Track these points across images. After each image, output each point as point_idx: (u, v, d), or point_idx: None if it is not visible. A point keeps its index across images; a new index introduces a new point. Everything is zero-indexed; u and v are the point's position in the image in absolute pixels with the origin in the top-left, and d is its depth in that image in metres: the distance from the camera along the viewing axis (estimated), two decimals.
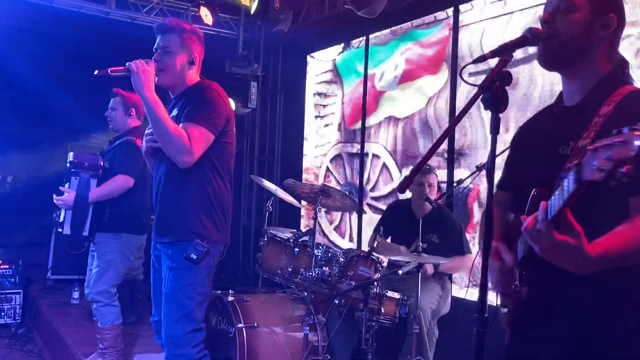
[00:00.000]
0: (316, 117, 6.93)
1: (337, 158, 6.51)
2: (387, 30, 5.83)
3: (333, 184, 6.39)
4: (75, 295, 5.77)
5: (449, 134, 1.54)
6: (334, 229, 6.48)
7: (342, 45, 6.53)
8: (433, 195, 3.97)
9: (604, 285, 1.47)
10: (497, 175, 1.95)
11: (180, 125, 2.61)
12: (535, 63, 1.73)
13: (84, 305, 5.63)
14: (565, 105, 1.68)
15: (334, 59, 6.64)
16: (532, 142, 1.74)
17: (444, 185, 4.74)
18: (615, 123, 1.44)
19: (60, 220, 3.98)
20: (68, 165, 4.00)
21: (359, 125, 6.15)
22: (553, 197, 1.33)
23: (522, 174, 1.73)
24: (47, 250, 6.37)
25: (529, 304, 1.60)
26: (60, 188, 3.95)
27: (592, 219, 1.41)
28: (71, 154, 4.01)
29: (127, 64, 2.59)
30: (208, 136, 2.61)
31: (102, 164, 4.02)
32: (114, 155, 4.04)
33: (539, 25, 1.65)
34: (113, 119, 4.19)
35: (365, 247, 4.82)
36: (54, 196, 3.91)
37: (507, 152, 1.93)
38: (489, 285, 1.48)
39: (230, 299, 3.70)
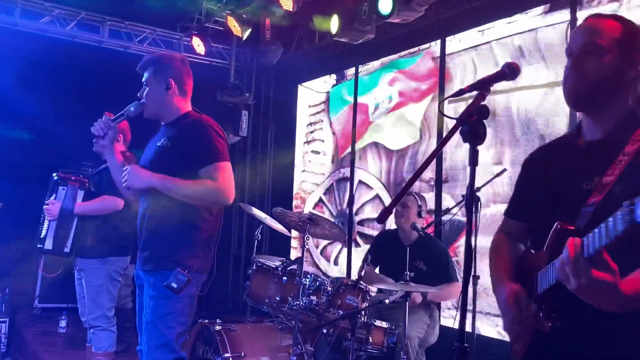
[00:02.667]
0: (305, 142, 6.97)
1: (330, 190, 6.52)
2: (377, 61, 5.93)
3: (326, 215, 6.38)
4: (62, 324, 5.71)
5: (428, 165, 1.57)
6: (320, 253, 6.47)
7: (336, 77, 6.62)
8: (410, 218, 3.97)
9: (635, 319, 1.45)
10: (502, 206, 1.94)
11: (201, 170, 2.62)
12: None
13: (71, 334, 5.57)
14: (588, 139, 1.64)
15: (328, 91, 6.71)
16: (552, 174, 1.69)
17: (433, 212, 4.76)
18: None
19: (42, 236, 3.92)
20: (55, 178, 3.98)
21: (347, 150, 6.19)
22: (592, 235, 1.29)
23: (541, 205, 1.67)
24: (35, 279, 6.31)
25: (554, 337, 1.54)
26: (47, 201, 3.92)
27: (620, 256, 1.35)
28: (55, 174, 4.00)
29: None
30: (227, 166, 2.65)
31: (87, 184, 4.02)
32: (101, 178, 4.02)
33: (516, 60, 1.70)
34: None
35: (354, 276, 4.81)
36: (44, 207, 3.88)
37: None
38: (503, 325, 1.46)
39: (218, 328, 3.68)
